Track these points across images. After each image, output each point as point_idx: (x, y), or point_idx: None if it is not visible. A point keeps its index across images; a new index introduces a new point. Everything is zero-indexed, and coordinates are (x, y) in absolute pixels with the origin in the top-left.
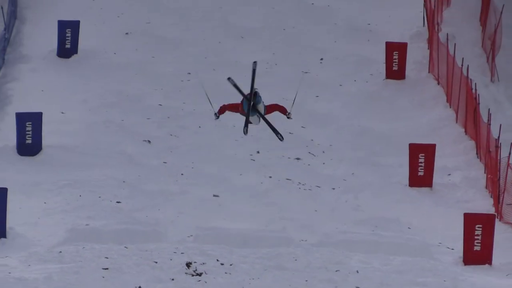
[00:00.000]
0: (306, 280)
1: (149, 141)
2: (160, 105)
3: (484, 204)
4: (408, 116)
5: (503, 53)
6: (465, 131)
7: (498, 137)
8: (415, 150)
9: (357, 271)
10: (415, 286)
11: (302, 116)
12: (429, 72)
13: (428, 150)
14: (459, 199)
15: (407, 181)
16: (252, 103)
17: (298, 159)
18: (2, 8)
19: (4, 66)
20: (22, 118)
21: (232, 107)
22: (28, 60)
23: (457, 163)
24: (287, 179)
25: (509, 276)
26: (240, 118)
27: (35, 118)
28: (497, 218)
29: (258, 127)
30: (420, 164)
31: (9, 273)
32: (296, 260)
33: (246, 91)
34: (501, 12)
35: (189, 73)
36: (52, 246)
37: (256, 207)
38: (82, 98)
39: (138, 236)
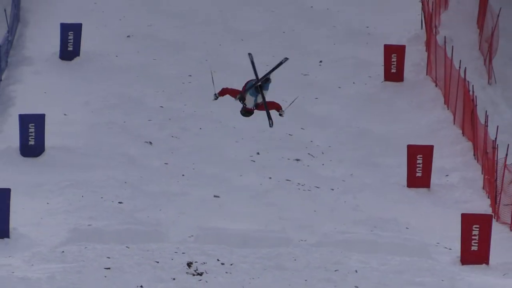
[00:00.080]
0: (306, 280)
1: (150, 143)
2: (162, 107)
3: (481, 205)
4: (406, 118)
5: (500, 56)
6: (463, 133)
7: (495, 138)
8: (413, 151)
9: (356, 271)
10: (413, 285)
11: (302, 118)
12: (427, 74)
13: (426, 152)
14: (456, 200)
15: (405, 182)
16: (259, 83)
17: (297, 160)
18: (5, 11)
19: (7, 69)
20: (25, 120)
21: (233, 92)
22: (31, 62)
23: (455, 164)
24: (287, 180)
25: (506, 276)
26: (239, 119)
27: (38, 120)
28: (494, 218)
29: (258, 128)
30: (418, 165)
31: (13, 272)
32: (295, 260)
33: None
34: (498, 15)
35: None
36: (54, 246)
37: (256, 207)
38: (85, 100)
39: (139, 236)
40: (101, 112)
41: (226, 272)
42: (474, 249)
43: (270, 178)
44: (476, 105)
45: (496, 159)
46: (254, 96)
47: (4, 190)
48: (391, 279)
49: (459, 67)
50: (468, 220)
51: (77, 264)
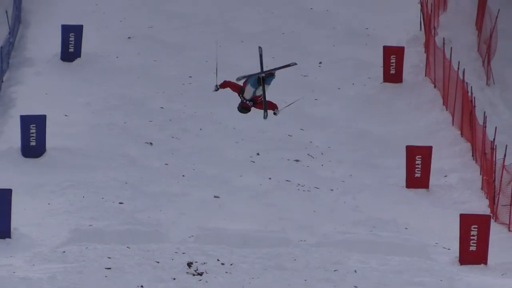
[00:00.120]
0: (305, 280)
1: (151, 143)
2: (162, 108)
3: (479, 205)
4: (405, 119)
5: (498, 57)
6: (461, 134)
7: (494, 139)
8: (412, 152)
9: (355, 271)
10: (412, 285)
11: (301, 119)
12: (426, 75)
13: (425, 152)
14: (455, 200)
15: (404, 183)
16: (263, 75)
17: (297, 161)
18: (6, 12)
19: (9, 70)
20: (26, 121)
21: (235, 86)
22: (32, 63)
23: (453, 165)
24: (287, 180)
25: (505, 276)
26: (239, 120)
27: (39, 121)
28: (493, 218)
29: (258, 128)
30: (417, 166)
31: (14, 272)
32: (295, 260)
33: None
34: (497, 17)
35: (190, 77)
36: (56, 246)
37: (256, 208)
38: (86, 101)
39: (140, 237)
40: (102, 113)
41: (226, 272)
42: (473, 249)
43: (270, 178)
44: (474, 106)
45: (494, 159)
46: (254, 87)
47: (6, 190)
48: (390, 279)
49: (458, 68)
50: (466, 221)
51: (78, 264)
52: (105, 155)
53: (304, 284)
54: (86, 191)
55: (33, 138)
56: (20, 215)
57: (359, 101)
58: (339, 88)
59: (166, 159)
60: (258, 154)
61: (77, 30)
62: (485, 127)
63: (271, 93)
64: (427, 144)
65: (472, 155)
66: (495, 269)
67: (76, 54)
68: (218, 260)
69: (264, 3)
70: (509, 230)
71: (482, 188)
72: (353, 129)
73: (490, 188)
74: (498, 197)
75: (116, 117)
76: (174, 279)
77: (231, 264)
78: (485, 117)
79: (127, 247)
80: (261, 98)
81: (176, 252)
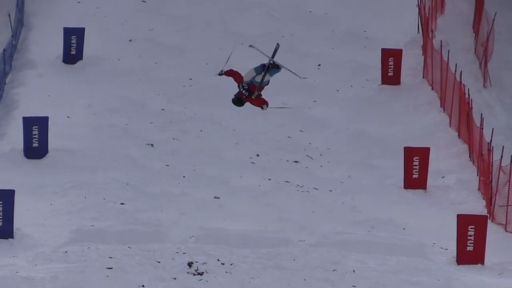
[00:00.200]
0: (304, 280)
1: (152, 145)
2: (163, 109)
3: (476, 206)
4: (403, 120)
5: (495, 59)
6: (459, 135)
7: (490, 140)
8: (410, 153)
9: (354, 271)
10: (410, 285)
11: (300, 120)
12: (423, 77)
13: (423, 153)
14: (452, 201)
15: (402, 183)
16: (271, 63)
17: (296, 162)
18: (9, 15)
19: (12, 72)
20: (28, 122)
21: (238, 76)
22: (34, 66)
23: (451, 166)
24: (286, 181)
25: (501, 275)
26: (239, 121)
27: (42, 122)
28: (489, 219)
29: (257, 130)
30: (414, 167)
31: (17, 272)
32: (294, 260)
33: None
34: (493, 20)
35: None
36: (58, 246)
37: (256, 208)
38: (87, 103)
39: (141, 237)
40: (103, 114)
41: (226, 272)
42: (470, 249)
43: (269, 179)
44: (471, 108)
45: (491, 161)
46: (257, 72)
47: (8, 191)
48: (388, 279)
49: (455, 71)
50: (463, 221)
51: (80, 264)
52: (107, 156)
53: (303, 284)
54: (87, 191)
55: (36, 140)
56: (22, 215)
57: (358, 103)
58: (337, 90)
59: (166, 160)
60: (258, 155)
61: (79, 33)
62: (482, 128)
63: (271, 93)
64: (424, 146)
65: (469, 156)
66: (492, 269)
67: (78, 56)
68: (218, 260)
69: (264, 6)
70: (506, 231)
71: (479, 189)
72: (352, 130)
73: (487, 189)
74: (495, 198)
75: (118, 118)
76: (175, 278)
77: (231, 264)
78: (482, 119)
79: (128, 247)
80: (257, 91)
81: (176, 252)
